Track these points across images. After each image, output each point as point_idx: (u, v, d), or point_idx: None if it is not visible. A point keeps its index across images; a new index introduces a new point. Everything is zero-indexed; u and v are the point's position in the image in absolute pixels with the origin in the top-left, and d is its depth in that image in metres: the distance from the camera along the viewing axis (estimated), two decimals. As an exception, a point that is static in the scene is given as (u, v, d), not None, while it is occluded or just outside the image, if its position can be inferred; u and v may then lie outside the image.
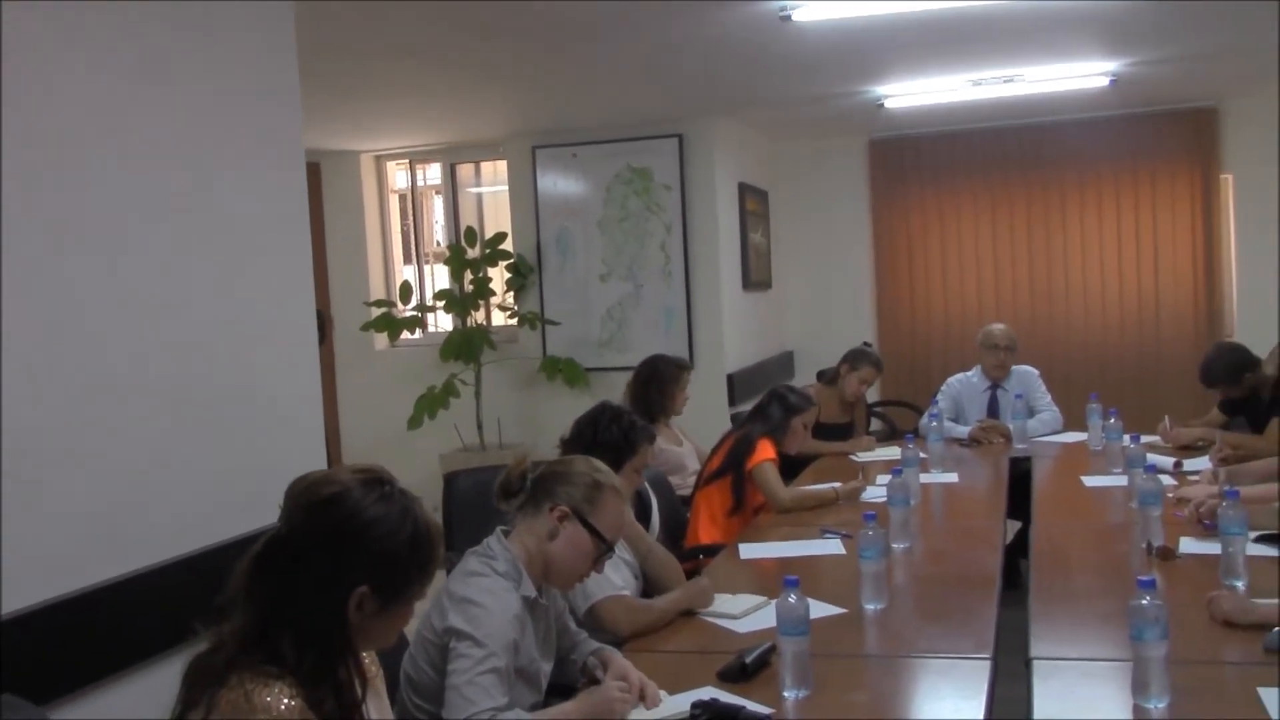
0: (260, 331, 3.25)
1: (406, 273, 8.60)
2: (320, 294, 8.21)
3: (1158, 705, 2.41)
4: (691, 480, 5.10)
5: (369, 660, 2.05)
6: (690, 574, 3.60)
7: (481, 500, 2.89)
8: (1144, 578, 2.47)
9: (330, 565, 1.84)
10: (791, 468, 5.62)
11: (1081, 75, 6.58)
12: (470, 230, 7.80)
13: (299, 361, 3.48)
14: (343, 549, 1.84)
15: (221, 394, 3.05)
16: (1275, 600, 2.94)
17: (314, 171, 8.07)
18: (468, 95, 6.46)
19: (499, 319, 8.16)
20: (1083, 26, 5.40)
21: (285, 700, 1.75)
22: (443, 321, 8.30)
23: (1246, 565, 3.25)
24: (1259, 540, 3.57)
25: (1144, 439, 4.64)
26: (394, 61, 5.36)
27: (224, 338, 3.08)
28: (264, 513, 1.91)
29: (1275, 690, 2.45)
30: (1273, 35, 5.83)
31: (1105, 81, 6.69)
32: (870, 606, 3.24)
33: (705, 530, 4.60)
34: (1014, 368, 6.29)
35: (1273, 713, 2.36)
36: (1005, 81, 6.61)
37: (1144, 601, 2.42)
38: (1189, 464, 4.94)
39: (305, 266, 3.50)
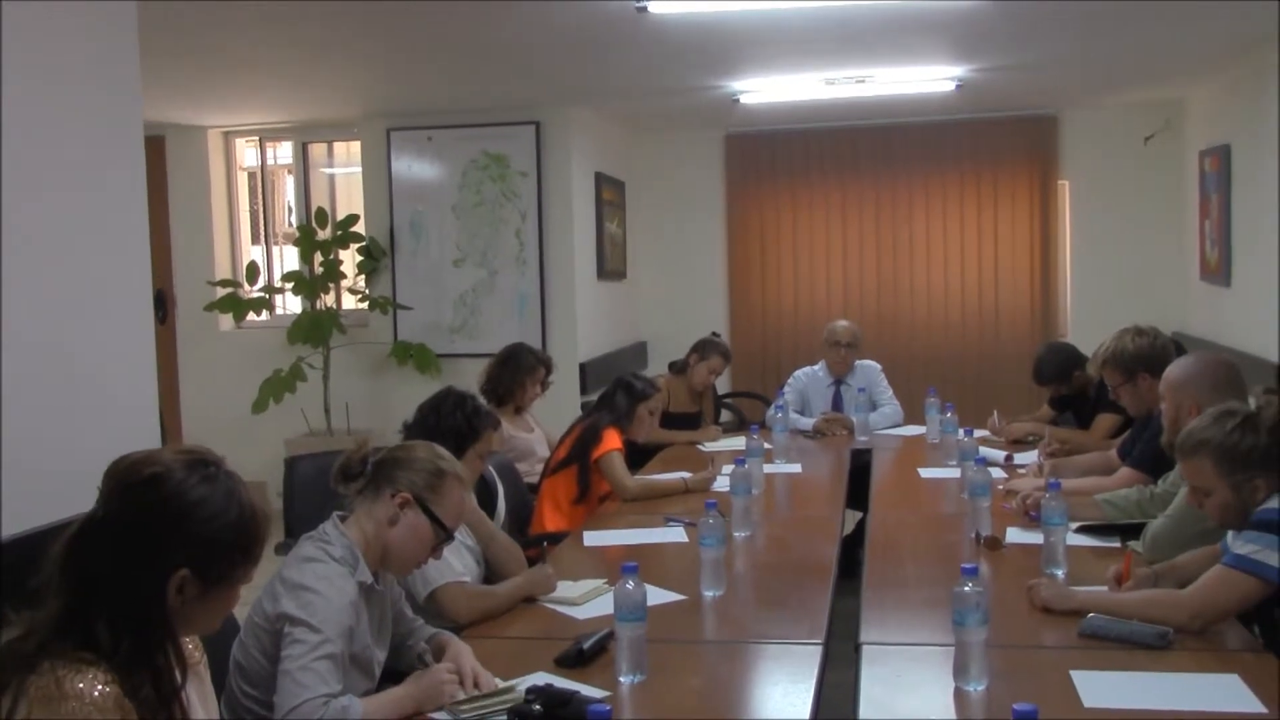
0: (90, 309, 3.13)
1: (254, 253, 8.40)
2: (162, 272, 7.99)
3: (976, 687, 2.50)
4: (540, 468, 5.09)
5: (192, 646, 2.00)
6: (534, 561, 3.61)
7: (324, 485, 2.84)
8: (967, 565, 2.56)
9: (149, 547, 1.78)
10: (640, 456, 5.67)
11: (929, 79, 6.76)
12: (321, 211, 7.65)
13: (132, 341, 3.37)
14: (163, 531, 1.79)
15: (45, 373, 2.93)
16: (1092, 587, 3.08)
17: (158, 146, 7.85)
18: (321, 73, 6.33)
19: (349, 302, 8.03)
20: (931, 31, 5.55)
21: (99, 687, 1.69)
22: (291, 304, 8.12)
23: (1066, 554, 3.39)
24: (1079, 531, 3.74)
25: (977, 433, 4.81)
26: (243, 33, 5.21)
27: (49, 315, 2.96)
28: (90, 496, 1.84)
29: (1086, 672, 2.57)
30: (1109, 47, 6.09)
31: (952, 86, 6.89)
32: (709, 593, 3.29)
33: (551, 518, 4.61)
34: (857, 362, 6.44)
35: (1083, 693, 2.47)
36: (857, 82, 6.75)
37: (966, 588, 2.51)
38: (1019, 458, 5.12)
39: (141, 243, 3.39)
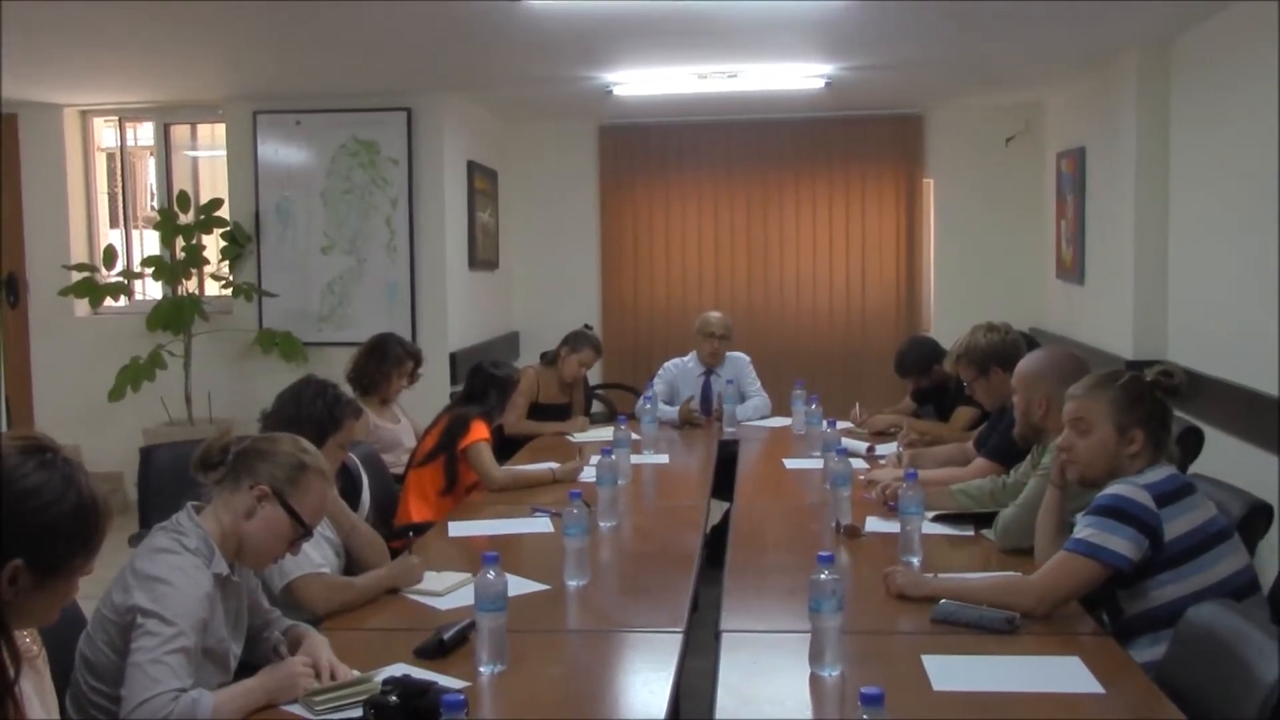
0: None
1: (113, 237, 8.13)
2: (14, 255, 7.71)
3: (831, 673, 2.55)
4: (406, 459, 5.04)
5: (30, 639, 1.93)
6: (398, 553, 3.56)
7: (183, 476, 2.77)
8: (823, 554, 2.61)
9: (-21, 536, 1.71)
10: (508, 447, 5.66)
11: (799, 76, 6.86)
12: (184, 195, 7.45)
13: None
14: (-6, 519, 1.72)
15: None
16: (946, 575, 3.17)
17: (10, 124, 7.59)
18: (185, 52, 6.14)
19: (213, 289, 7.83)
20: (799, 30, 5.62)
21: (-72, 682, 1.63)
22: (151, 289, 7.89)
23: (922, 543, 3.48)
24: (935, 520, 3.84)
25: (840, 424, 4.90)
26: (102, 7, 5.00)
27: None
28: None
29: (937, 657, 2.65)
30: (972, 51, 6.25)
31: (821, 84, 7.00)
32: (572, 583, 3.30)
33: (417, 509, 4.57)
34: (727, 354, 6.51)
35: (933, 677, 2.55)
36: (729, 77, 6.81)
37: (822, 576, 2.56)
38: (881, 449, 5.24)
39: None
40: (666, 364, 6.61)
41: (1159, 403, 3.05)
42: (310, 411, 3.50)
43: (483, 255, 8.13)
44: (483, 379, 4.95)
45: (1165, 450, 3.03)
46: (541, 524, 4.07)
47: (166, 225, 7.27)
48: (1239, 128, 5.00)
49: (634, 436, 5.22)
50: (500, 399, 4.94)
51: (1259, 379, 4.73)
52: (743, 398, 6.34)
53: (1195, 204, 5.57)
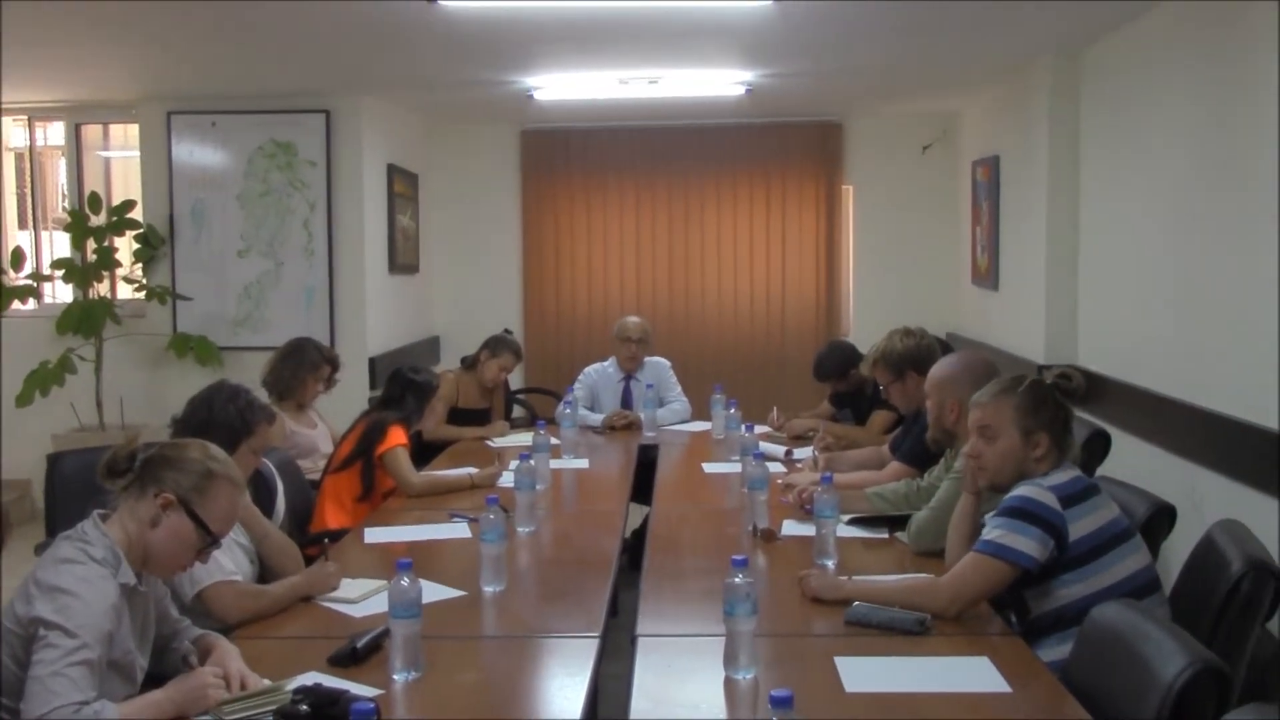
0: None
1: (21, 238, 7.95)
2: (-83, 256, 7.49)
3: (745, 676, 2.57)
4: (323, 464, 4.99)
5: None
6: (312, 559, 3.52)
7: (91, 483, 2.71)
8: (737, 557, 2.63)
9: None
10: (427, 452, 5.62)
11: (720, 83, 6.90)
12: (95, 196, 7.30)
13: None
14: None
15: None
16: (860, 577, 3.21)
17: (-88, 122, 7.35)
18: (96, 50, 6.02)
19: (125, 292, 7.68)
20: (720, 36, 5.66)
21: None
22: (61, 292, 7.72)
23: (837, 546, 3.52)
24: (850, 523, 3.89)
25: (758, 428, 4.94)
26: (8, 3, 4.90)
27: None
28: None
29: (850, 658, 2.69)
30: (889, 60, 6.33)
31: (742, 90, 7.05)
32: (489, 589, 3.29)
33: (333, 515, 4.52)
34: (647, 359, 6.53)
35: (845, 678, 2.58)
36: (650, 83, 6.84)
37: (736, 580, 2.58)
38: (799, 453, 5.28)
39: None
40: (587, 369, 6.61)
41: (1061, 406, 3.12)
42: (222, 417, 3.45)
43: (403, 259, 8.07)
44: (401, 384, 4.91)
45: (1069, 452, 3.10)
46: (459, 529, 4.05)
47: (77, 227, 7.13)
48: (1147, 137, 5.12)
49: (553, 441, 5.21)
50: (419, 404, 4.91)
51: (1164, 383, 4.85)
52: (663, 402, 6.36)
53: (1105, 212, 5.70)
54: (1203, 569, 3.13)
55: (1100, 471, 4.58)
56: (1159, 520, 3.57)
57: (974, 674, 2.61)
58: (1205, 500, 4.26)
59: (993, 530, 2.93)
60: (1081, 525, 2.92)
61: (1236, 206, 4.19)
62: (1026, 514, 2.90)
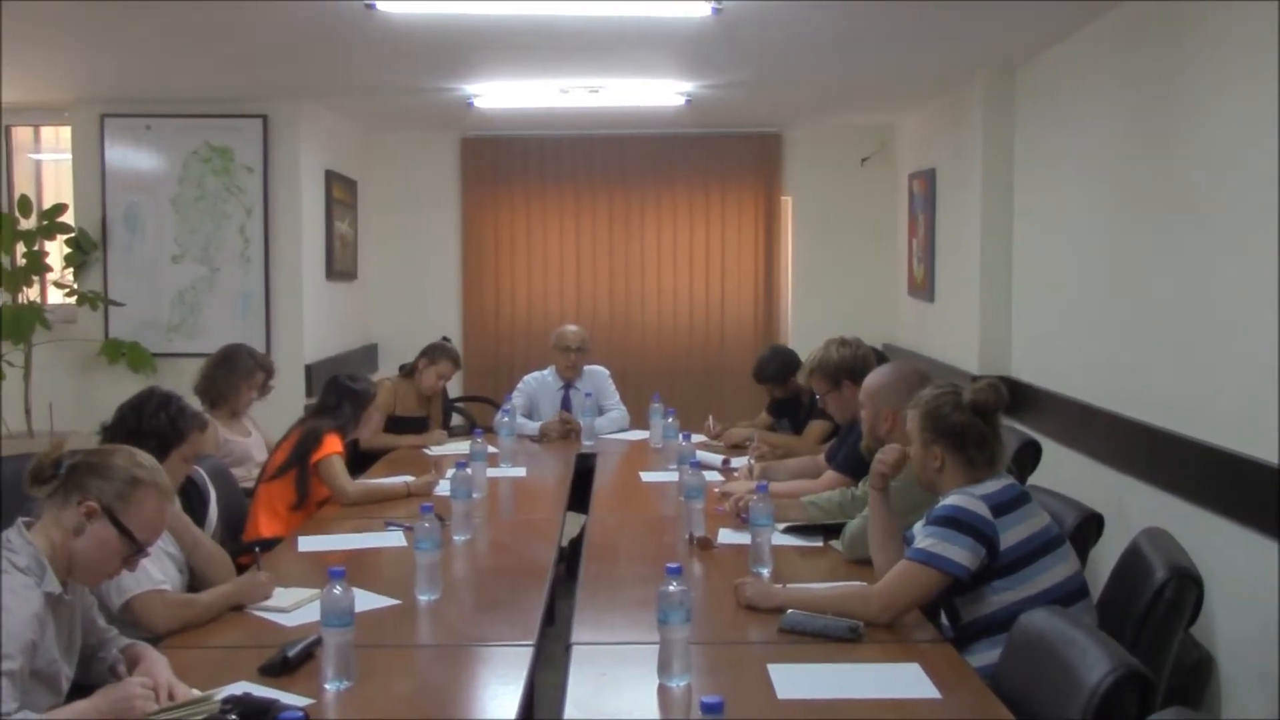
0: None
1: (-52, 241, 7.78)
2: None
3: (679, 683, 2.58)
4: (258, 472, 4.93)
5: None
6: (244, 568, 3.48)
7: (19, 490, 2.66)
8: (672, 565, 2.64)
9: None
10: (364, 460, 5.59)
11: (660, 93, 6.92)
12: (25, 199, 7.16)
13: None
14: None
15: None
16: (794, 585, 3.24)
17: None
18: (27, 51, 5.89)
19: (56, 297, 7.54)
20: (659, 46, 5.68)
21: None
22: (-11, 297, 7.57)
23: (772, 554, 3.54)
24: (785, 531, 3.92)
25: (695, 437, 4.96)
26: (-67, 5, 4.82)
27: None
28: None
29: (783, 665, 2.71)
30: (827, 73, 6.39)
31: (682, 101, 7.08)
32: (424, 598, 3.28)
33: (266, 524, 4.47)
34: (586, 367, 6.53)
35: (778, 685, 2.60)
36: (591, 92, 6.84)
37: (670, 588, 2.59)
38: (736, 461, 5.30)
39: None
40: (526, 377, 6.60)
41: (963, 423, 3.10)
42: (152, 424, 3.41)
43: (340, 265, 8.01)
44: (337, 392, 4.88)
45: (996, 465, 3.12)
46: (395, 538, 4.02)
47: (7, 230, 6.99)
48: (1078, 152, 5.21)
49: (491, 450, 5.20)
50: (355, 412, 4.87)
51: (1093, 394, 4.93)
52: (601, 411, 6.37)
53: (1037, 225, 5.79)
54: (1129, 576, 3.19)
55: (1031, 480, 4.65)
56: (1087, 528, 3.63)
57: (905, 680, 2.65)
58: (1132, 509, 4.34)
59: (925, 539, 2.96)
60: (1013, 534, 2.97)
61: (1163, 221, 4.28)
62: (958, 523, 2.94)
